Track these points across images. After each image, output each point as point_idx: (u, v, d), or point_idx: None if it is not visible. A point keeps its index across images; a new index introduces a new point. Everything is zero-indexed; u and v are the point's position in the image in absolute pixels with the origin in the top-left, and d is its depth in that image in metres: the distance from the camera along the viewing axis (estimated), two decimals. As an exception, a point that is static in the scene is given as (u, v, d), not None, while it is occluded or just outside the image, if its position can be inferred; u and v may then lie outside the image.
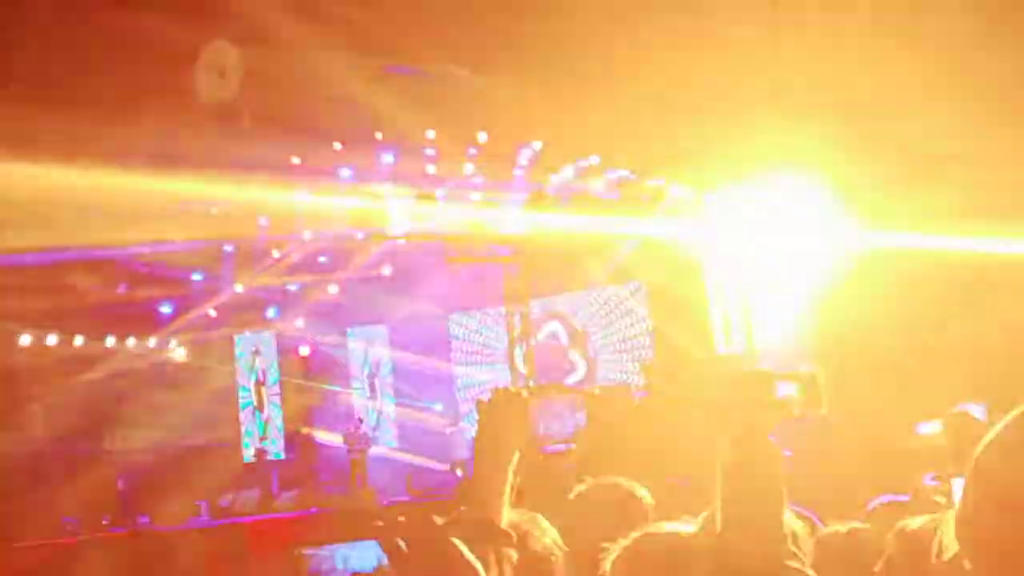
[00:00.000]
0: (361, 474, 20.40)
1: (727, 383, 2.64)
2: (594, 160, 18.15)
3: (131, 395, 23.64)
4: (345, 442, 21.01)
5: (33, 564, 16.66)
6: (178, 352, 23.59)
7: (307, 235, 20.60)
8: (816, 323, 17.88)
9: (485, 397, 3.94)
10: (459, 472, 21.77)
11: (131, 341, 22.41)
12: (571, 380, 22.20)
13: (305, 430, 23.96)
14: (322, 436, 23.55)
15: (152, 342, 22.96)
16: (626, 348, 21.76)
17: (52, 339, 20.52)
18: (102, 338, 21.72)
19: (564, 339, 22.84)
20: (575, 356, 22.52)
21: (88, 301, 20.69)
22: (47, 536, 17.84)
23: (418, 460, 22.93)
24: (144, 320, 22.26)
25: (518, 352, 19.31)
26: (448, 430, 23.82)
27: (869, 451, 11.31)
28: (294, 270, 22.20)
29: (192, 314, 22.69)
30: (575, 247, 18.87)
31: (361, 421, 21.64)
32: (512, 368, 20.01)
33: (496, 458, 3.95)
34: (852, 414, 11.52)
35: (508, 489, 3.98)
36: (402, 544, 3.53)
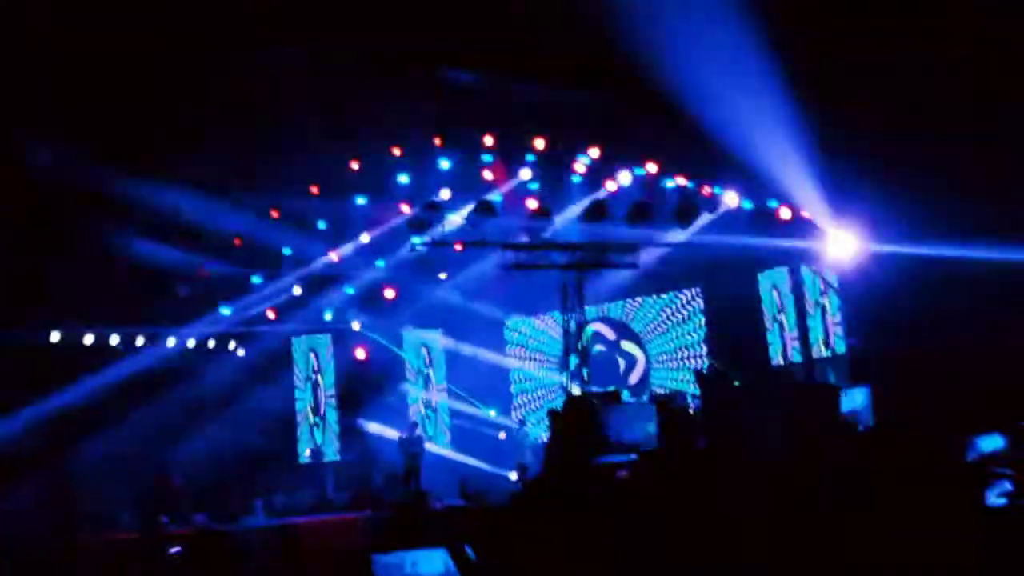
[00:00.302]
0: (415, 477, 20.50)
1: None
2: (651, 168, 18.15)
3: (188, 394, 23.92)
4: (400, 445, 21.16)
5: (92, 559, 16.88)
6: (236, 352, 23.81)
7: (365, 238, 20.73)
8: (872, 334, 17.81)
9: (557, 405, 4.02)
10: (514, 477, 21.84)
11: (191, 341, 22.64)
12: (633, 378, 22.20)
13: (360, 432, 24.12)
14: (377, 438, 23.70)
15: (211, 343, 23.19)
16: (682, 356, 21.75)
17: (115, 338, 20.79)
18: (161, 337, 21.97)
19: (612, 336, 22.89)
20: (631, 347, 22.54)
21: (148, 301, 21.00)
22: (106, 533, 18.02)
23: (472, 463, 23.05)
24: (204, 320, 22.48)
25: (573, 358, 19.30)
26: (501, 435, 23.93)
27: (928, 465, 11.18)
28: (352, 273, 22.35)
29: (250, 315, 22.89)
30: (632, 254, 18.87)
31: (416, 425, 21.77)
32: (568, 374, 20.03)
33: (568, 466, 4.02)
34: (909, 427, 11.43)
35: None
36: (470, 552, 3.61)
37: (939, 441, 9.93)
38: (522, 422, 21.71)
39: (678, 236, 18.23)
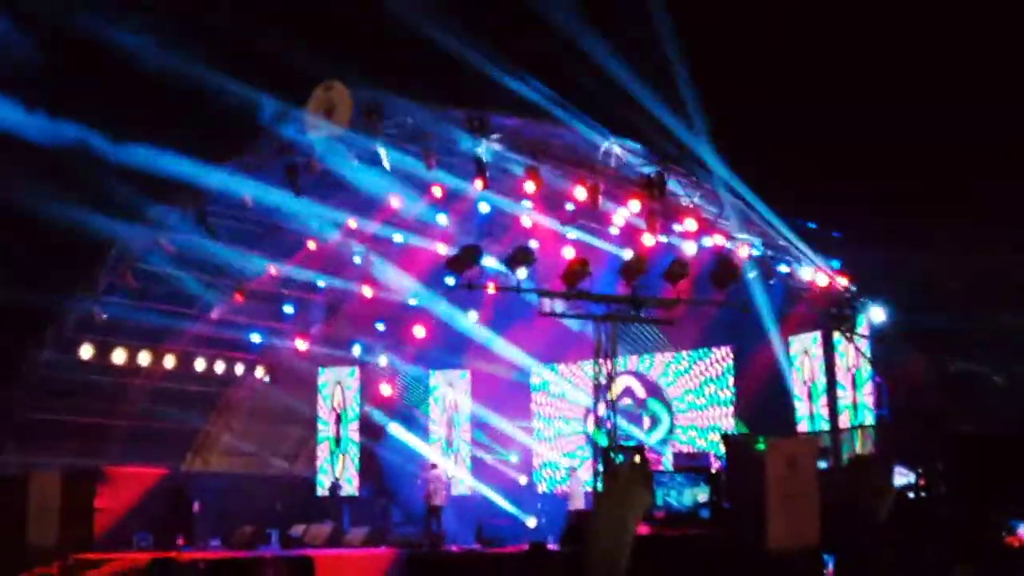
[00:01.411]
0: (435, 518, 20.41)
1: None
2: (690, 225, 18.13)
3: (212, 419, 23.99)
4: (420, 485, 21.07)
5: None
6: (263, 380, 23.87)
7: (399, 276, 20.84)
8: (902, 406, 17.68)
9: (612, 469, 4.03)
10: (532, 524, 21.66)
11: (219, 366, 22.72)
12: (655, 436, 22.12)
13: (379, 468, 24.04)
14: (397, 475, 23.61)
15: (239, 368, 23.25)
16: (710, 416, 21.61)
17: (145, 357, 20.91)
18: (191, 360, 22.08)
19: (642, 393, 22.79)
20: (658, 407, 22.49)
21: (180, 325, 21.14)
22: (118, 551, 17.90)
23: (495, 501, 22.89)
24: (233, 347, 22.59)
25: (602, 408, 19.19)
26: (523, 479, 23.77)
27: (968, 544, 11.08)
28: (383, 310, 22.42)
29: (280, 344, 22.98)
30: (668, 309, 18.78)
31: (435, 466, 21.66)
32: (595, 424, 19.96)
33: (620, 534, 4.00)
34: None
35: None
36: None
37: (978, 520, 9.83)
38: (573, 469, 21.59)
39: (713, 291, 18.10)
